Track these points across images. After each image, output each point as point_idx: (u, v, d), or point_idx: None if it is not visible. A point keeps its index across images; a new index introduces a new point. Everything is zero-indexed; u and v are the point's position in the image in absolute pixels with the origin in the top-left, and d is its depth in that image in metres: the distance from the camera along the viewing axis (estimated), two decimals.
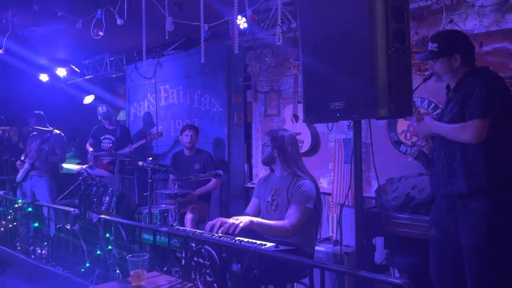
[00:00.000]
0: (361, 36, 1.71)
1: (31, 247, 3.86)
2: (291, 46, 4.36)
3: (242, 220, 2.42)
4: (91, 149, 5.37)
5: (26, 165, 5.01)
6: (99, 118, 5.44)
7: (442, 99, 3.03)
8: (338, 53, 1.79)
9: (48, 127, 5.11)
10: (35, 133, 5.34)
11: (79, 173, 4.02)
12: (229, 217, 2.59)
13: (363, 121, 2.27)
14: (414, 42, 3.42)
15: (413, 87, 2.11)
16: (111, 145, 5.31)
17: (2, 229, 4.03)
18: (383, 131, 3.85)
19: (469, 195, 2.15)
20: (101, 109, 5.38)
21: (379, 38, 1.67)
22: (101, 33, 3.44)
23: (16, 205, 3.91)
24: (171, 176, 4.50)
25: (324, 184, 4.33)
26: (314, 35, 1.89)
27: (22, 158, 5.09)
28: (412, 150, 2.70)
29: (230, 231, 2.36)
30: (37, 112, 5.22)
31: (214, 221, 2.58)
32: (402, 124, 3.71)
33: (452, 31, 2.71)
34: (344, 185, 4.01)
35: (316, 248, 3.44)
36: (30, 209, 3.78)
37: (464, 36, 2.37)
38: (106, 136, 5.37)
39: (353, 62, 1.74)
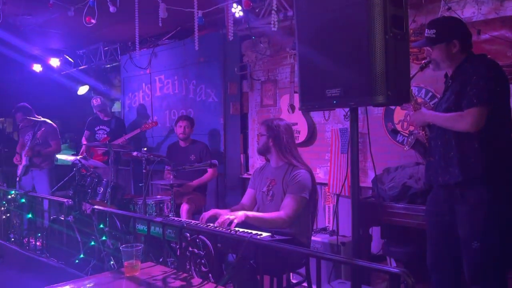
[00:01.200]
0: (358, 21, 1.67)
1: (25, 239, 3.83)
2: (287, 34, 4.31)
3: (237, 216, 2.38)
4: (85, 142, 5.32)
5: (25, 161, 4.96)
6: (94, 110, 5.39)
7: (439, 88, 3.00)
8: (335, 39, 1.75)
9: (37, 118, 5.05)
10: (25, 123, 5.27)
11: (73, 164, 3.98)
12: (225, 208, 2.56)
13: (360, 111, 2.24)
14: (411, 30, 3.38)
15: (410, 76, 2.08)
16: (105, 136, 5.26)
17: None
18: (380, 121, 3.82)
19: (466, 184, 2.14)
20: (96, 101, 5.31)
21: (377, 24, 1.63)
22: (93, 21, 3.38)
23: (9, 196, 3.88)
24: (166, 166, 4.47)
25: (320, 174, 4.31)
26: (311, 21, 1.85)
27: (19, 153, 5.02)
28: (409, 139, 2.68)
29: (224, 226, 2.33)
30: (21, 104, 5.13)
31: (209, 212, 2.56)
32: (399, 114, 3.68)
33: (450, 17, 2.68)
34: (341, 175, 3.99)
35: (312, 238, 3.43)
36: (23, 200, 3.74)
37: (461, 22, 2.35)
38: (101, 127, 5.32)
39: (350, 48, 1.70)
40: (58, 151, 5.24)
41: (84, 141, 5.36)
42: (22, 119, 5.07)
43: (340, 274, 3.38)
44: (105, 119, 5.36)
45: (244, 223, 2.39)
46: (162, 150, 5.37)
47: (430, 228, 2.42)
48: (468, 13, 3.30)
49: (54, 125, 5.17)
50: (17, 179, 5.04)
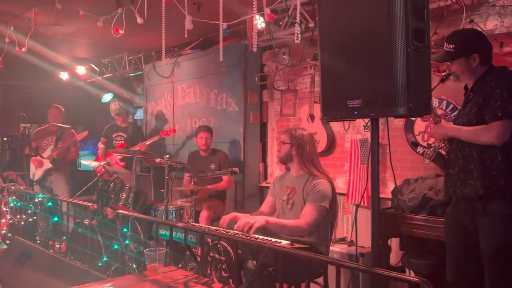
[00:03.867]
0: (380, 33, 1.70)
1: (50, 241, 3.94)
2: (308, 45, 4.36)
3: (258, 219, 2.42)
4: (101, 146, 5.46)
5: (47, 165, 5.13)
6: (112, 115, 5.52)
7: (461, 100, 2.98)
8: (357, 51, 1.79)
9: (62, 124, 5.27)
10: (43, 127, 5.48)
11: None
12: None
13: (380, 121, 2.26)
14: (432, 43, 3.38)
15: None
16: (122, 142, 5.38)
17: (23, 223, 4.13)
18: (400, 131, 3.82)
19: (487, 197, 2.13)
20: (114, 105, 5.46)
21: (398, 36, 1.66)
22: (121, 31, 3.50)
23: (36, 200, 4.00)
24: (186, 173, 4.56)
25: (339, 184, 4.31)
26: (333, 32, 1.89)
27: (37, 156, 5.19)
28: (429, 152, 2.68)
29: (245, 230, 2.37)
30: (56, 105, 5.37)
31: (229, 215, 2.60)
32: (419, 125, 3.68)
33: (469, 30, 2.66)
34: (360, 186, 3.99)
35: (331, 248, 3.44)
36: (50, 203, 3.86)
37: (480, 35, 2.34)
38: (118, 134, 5.45)
39: (372, 60, 1.74)
40: (76, 158, 5.40)
41: (100, 147, 5.51)
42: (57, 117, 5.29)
43: (358, 284, 3.37)
44: (123, 125, 5.49)
45: (263, 229, 2.43)
46: (181, 156, 5.46)
47: (450, 241, 2.41)
48: (490, 25, 3.29)
49: (75, 133, 5.37)
50: (34, 183, 5.22)
